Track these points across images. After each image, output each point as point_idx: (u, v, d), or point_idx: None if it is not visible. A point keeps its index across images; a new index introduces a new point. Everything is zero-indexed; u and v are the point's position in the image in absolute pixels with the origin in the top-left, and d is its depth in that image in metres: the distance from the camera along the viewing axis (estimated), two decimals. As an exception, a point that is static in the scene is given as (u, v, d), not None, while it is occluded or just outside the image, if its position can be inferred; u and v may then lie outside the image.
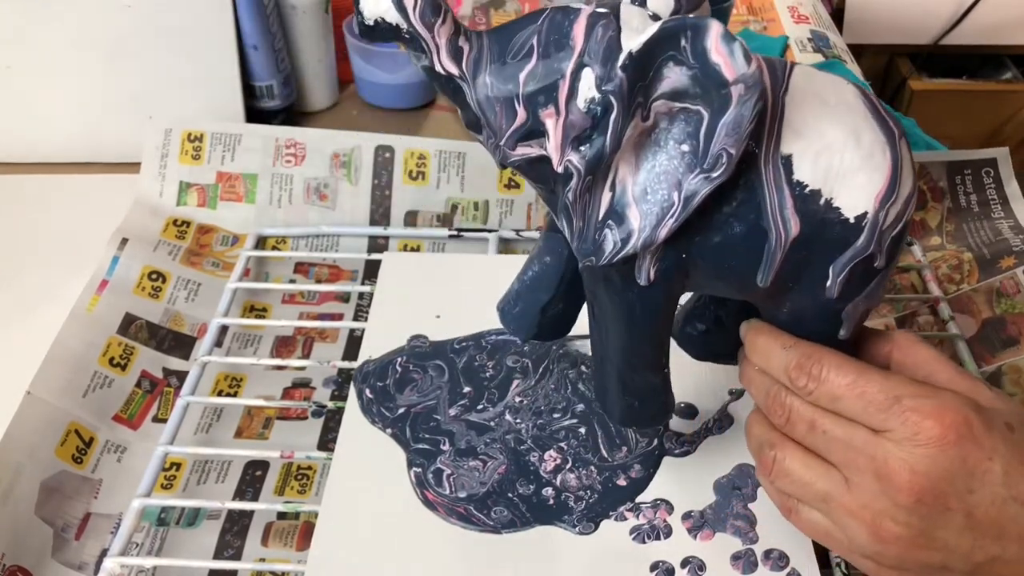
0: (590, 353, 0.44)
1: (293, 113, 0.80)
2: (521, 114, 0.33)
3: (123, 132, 0.73)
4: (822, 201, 0.33)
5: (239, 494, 0.52)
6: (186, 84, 0.73)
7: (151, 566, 0.47)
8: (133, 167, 0.69)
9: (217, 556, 0.49)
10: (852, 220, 0.34)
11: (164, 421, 0.54)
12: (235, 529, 0.50)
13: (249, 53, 0.74)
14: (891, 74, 1.33)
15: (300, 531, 0.50)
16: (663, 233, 0.33)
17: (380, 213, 0.68)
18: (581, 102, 0.32)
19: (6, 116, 0.73)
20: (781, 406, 0.37)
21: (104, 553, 0.48)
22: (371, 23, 0.33)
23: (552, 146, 0.33)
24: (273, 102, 0.77)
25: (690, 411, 0.51)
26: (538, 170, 0.34)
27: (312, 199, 0.68)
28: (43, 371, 0.53)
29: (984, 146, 0.68)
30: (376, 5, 0.32)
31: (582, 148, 0.33)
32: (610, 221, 0.34)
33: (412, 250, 0.68)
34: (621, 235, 0.34)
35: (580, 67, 0.32)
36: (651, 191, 0.33)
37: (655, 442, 0.49)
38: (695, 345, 0.46)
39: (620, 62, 0.31)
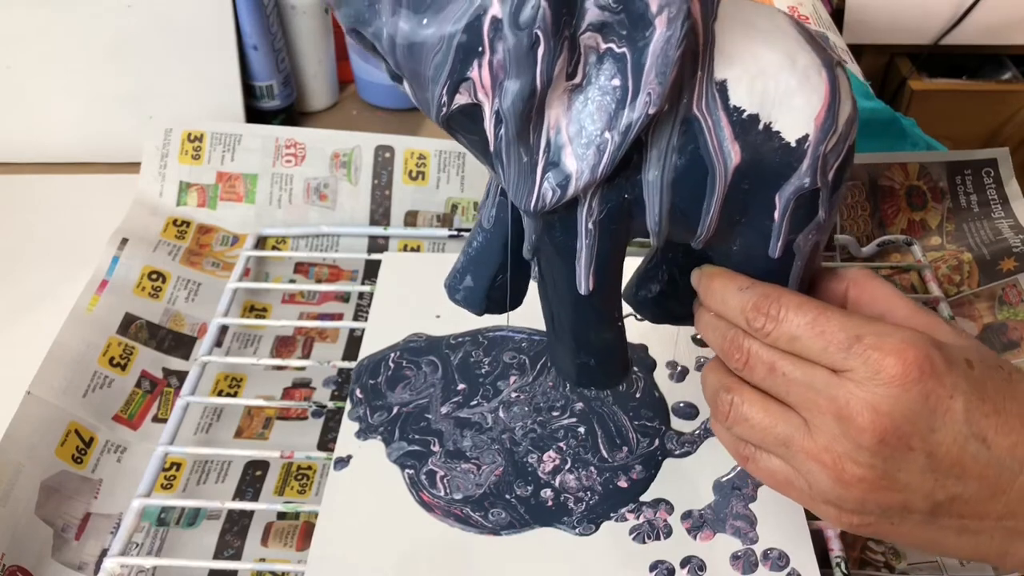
0: None
1: (293, 113, 0.80)
2: (449, 59, 0.31)
3: (123, 132, 0.73)
4: (761, 126, 0.33)
5: (239, 494, 0.52)
6: (186, 84, 0.73)
7: (151, 566, 0.47)
8: (133, 167, 0.69)
9: (217, 556, 0.49)
10: (793, 144, 0.33)
11: (164, 421, 0.54)
12: (235, 529, 0.50)
13: (249, 53, 0.74)
14: (891, 74, 1.33)
15: (300, 531, 0.50)
16: (601, 172, 0.32)
17: (380, 213, 0.68)
18: (506, 38, 0.30)
19: (6, 116, 0.73)
20: (739, 349, 0.35)
21: (104, 553, 0.48)
22: None
23: (481, 90, 0.31)
24: (273, 102, 0.77)
25: (691, 411, 0.50)
26: (472, 117, 0.32)
27: (312, 199, 0.68)
28: (43, 371, 0.53)
29: (984, 146, 0.68)
30: None
31: (512, 88, 0.31)
32: (548, 171, 0.33)
33: (412, 250, 0.68)
34: (559, 180, 0.33)
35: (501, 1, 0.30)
36: (586, 129, 0.32)
37: (656, 442, 0.49)
38: (650, 308, 0.45)
39: None
